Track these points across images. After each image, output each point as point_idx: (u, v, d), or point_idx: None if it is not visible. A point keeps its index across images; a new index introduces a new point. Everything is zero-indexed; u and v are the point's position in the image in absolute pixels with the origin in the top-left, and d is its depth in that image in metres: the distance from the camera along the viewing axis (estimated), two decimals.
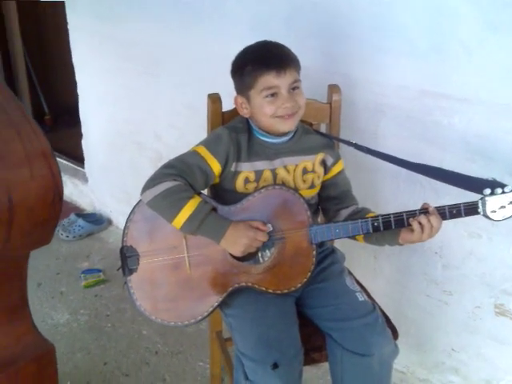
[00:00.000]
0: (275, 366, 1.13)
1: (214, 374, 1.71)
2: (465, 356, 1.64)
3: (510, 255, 1.47)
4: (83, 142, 2.81)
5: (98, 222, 2.74)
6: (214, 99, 1.39)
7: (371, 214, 1.25)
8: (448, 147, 1.46)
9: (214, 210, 1.22)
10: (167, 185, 1.18)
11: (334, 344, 1.24)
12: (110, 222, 2.79)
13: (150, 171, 2.58)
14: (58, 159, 1.07)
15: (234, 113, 1.38)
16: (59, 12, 2.64)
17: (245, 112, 1.28)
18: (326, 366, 1.31)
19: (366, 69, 1.56)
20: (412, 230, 1.17)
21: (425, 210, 1.17)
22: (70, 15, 2.53)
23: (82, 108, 2.73)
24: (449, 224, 1.51)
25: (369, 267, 1.78)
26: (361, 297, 1.28)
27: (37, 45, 3.94)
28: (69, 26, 2.55)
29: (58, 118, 4.04)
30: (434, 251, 1.61)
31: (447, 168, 1.27)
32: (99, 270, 2.32)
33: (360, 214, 1.30)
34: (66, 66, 2.72)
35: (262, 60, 1.22)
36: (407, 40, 1.45)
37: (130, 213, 1.26)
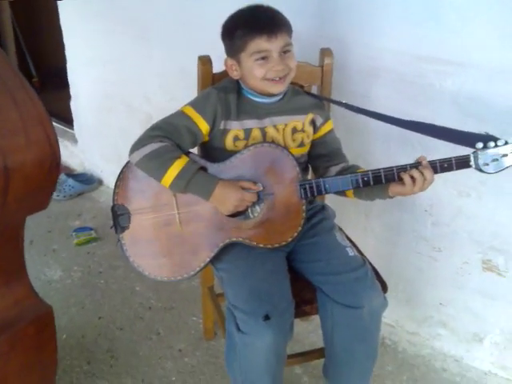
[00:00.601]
0: (267, 317, 1.15)
1: (207, 327, 1.75)
2: (453, 310, 1.68)
3: (498, 213, 1.49)
4: (72, 103, 2.78)
5: (88, 181, 2.73)
6: (205, 61, 1.39)
7: (361, 170, 1.26)
8: (440, 109, 1.46)
9: (203, 169, 1.22)
10: (153, 146, 1.19)
11: (325, 297, 1.26)
12: (100, 182, 2.77)
13: (139, 132, 2.55)
14: None
15: (224, 75, 1.37)
16: None
17: (235, 74, 1.27)
18: (316, 320, 1.35)
19: (359, 33, 1.55)
20: (403, 183, 1.17)
21: (417, 164, 1.18)
22: None
23: (70, 69, 2.67)
24: (438, 182, 1.50)
25: (359, 225, 1.80)
26: (351, 252, 1.30)
27: (23, 7, 3.81)
28: None
29: (47, 81, 3.96)
30: (424, 209, 1.63)
31: None
32: (91, 228, 2.32)
33: (349, 170, 1.31)
34: (53, 28, 2.65)
35: (253, 24, 1.20)
36: (402, 4, 1.44)
37: (120, 172, 1.27)
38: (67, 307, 1.88)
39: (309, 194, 1.22)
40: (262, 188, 1.21)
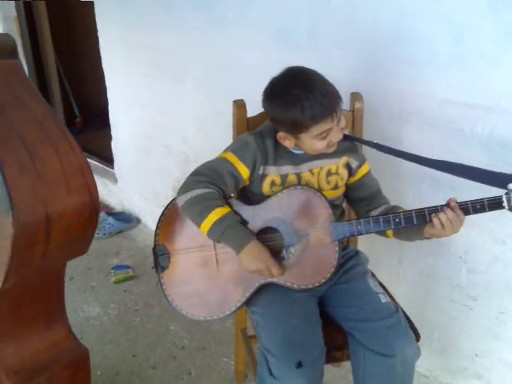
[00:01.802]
0: (299, 365, 1.16)
1: (238, 369, 1.75)
2: (488, 361, 1.64)
3: None
4: (113, 143, 2.90)
5: (127, 220, 2.82)
6: (239, 105, 1.43)
7: (401, 211, 1.26)
8: (471, 155, 1.46)
9: (242, 223, 1.25)
10: (197, 192, 1.23)
11: (357, 343, 1.26)
12: (138, 221, 2.87)
13: (177, 172, 2.63)
14: (89, 160, 1.08)
15: (258, 117, 1.42)
16: (89, 17, 2.72)
17: (287, 143, 1.28)
18: (347, 366, 1.34)
19: (388, 78, 1.58)
20: (434, 226, 1.18)
21: (447, 205, 1.18)
22: (99, 23, 2.61)
23: (112, 112, 2.81)
24: (473, 230, 1.52)
25: (392, 271, 1.80)
26: (384, 298, 1.30)
27: (67, 50, 4.08)
28: (99, 34, 2.63)
29: (88, 120, 4.17)
30: (459, 256, 1.62)
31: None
32: (128, 267, 2.39)
33: (390, 212, 1.30)
34: (96, 71, 2.80)
35: (317, 110, 1.17)
36: (428, 51, 1.46)
37: (161, 214, 1.33)
38: (103, 344, 1.93)
39: (341, 235, 1.24)
40: (282, 281, 1.25)
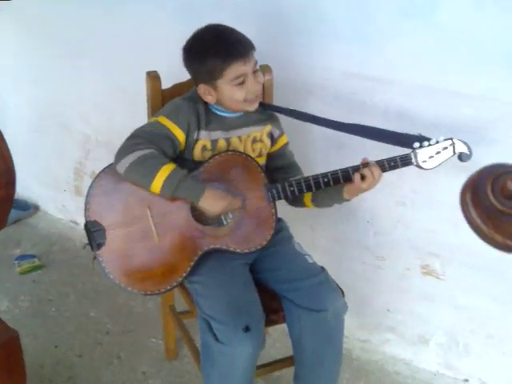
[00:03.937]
0: (247, 328, 1.20)
1: (169, 348, 1.75)
2: (399, 315, 1.80)
3: (430, 220, 1.63)
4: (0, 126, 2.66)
5: (24, 207, 2.62)
6: (153, 77, 1.41)
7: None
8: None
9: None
10: (140, 153, 1.20)
11: (291, 304, 1.33)
12: (37, 208, 2.68)
13: (77, 154, 2.49)
14: None
15: (173, 89, 1.42)
16: None
17: (210, 99, 1.31)
18: (274, 334, 1.43)
19: (291, 51, 1.65)
20: (353, 182, 1.27)
21: (366, 164, 1.28)
22: None
23: None
24: (377, 193, 1.64)
25: (307, 239, 1.87)
26: (310, 259, 1.40)
27: None
28: None
29: None
30: (366, 220, 1.75)
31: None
32: (34, 256, 2.25)
33: None
34: None
35: (227, 50, 1.24)
36: (330, 25, 1.55)
37: (89, 187, 1.26)
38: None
39: (276, 198, 1.30)
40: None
